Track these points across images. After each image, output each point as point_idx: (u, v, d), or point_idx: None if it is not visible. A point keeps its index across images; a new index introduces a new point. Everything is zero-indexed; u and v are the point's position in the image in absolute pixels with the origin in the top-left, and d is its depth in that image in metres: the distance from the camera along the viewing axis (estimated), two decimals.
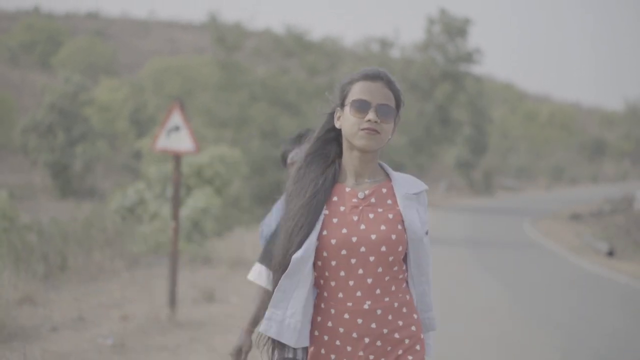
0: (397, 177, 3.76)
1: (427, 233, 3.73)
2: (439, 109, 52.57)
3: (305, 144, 3.87)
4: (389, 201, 3.71)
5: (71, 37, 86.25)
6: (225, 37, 35.50)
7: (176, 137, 10.19)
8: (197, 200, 19.80)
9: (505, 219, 38.51)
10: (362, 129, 3.61)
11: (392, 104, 3.69)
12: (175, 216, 10.52)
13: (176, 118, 10.21)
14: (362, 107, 3.63)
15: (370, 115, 3.61)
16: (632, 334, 11.71)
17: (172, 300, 10.73)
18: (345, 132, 3.69)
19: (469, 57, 52.95)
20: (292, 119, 31.97)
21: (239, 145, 29.45)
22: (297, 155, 4.94)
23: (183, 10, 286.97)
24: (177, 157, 10.45)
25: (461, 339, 10.57)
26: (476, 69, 55.38)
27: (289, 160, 5.06)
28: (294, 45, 37.11)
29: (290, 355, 3.64)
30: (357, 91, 3.67)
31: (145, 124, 54.96)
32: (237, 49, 35.98)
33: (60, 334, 9.81)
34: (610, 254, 27.45)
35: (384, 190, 3.72)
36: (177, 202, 10.53)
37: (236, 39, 35.86)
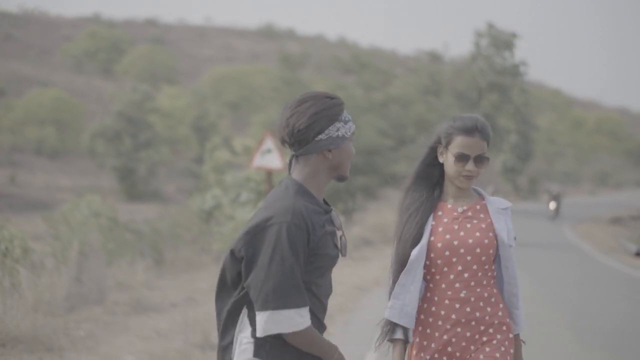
0: (489, 198, 4.55)
1: (515, 238, 4.52)
2: (486, 118, 54.50)
3: (413, 169, 4.57)
4: (482, 215, 4.48)
5: (131, 45, 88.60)
6: (289, 57, 38.06)
7: (269, 158, 13.13)
8: None
9: (546, 221, 39.98)
10: (463, 176, 4.42)
11: (486, 149, 4.44)
12: None
13: (269, 143, 13.16)
14: (462, 159, 4.39)
15: (469, 167, 4.40)
16: (636, 321, 14.37)
17: None
18: (447, 172, 4.48)
19: (515, 70, 55.15)
20: None
21: None
22: None
23: (238, 17, 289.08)
24: (269, 173, 13.44)
25: None
26: (524, 79, 57.06)
27: None
28: (352, 64, 39.61)
29: (401, 336, 4.45)
30: (459, 144, 4.41)
31: (207, 130, 57.38)
32: (300, 67, 38.52)
33: (180, 309, 12.65)
34: (638, 254, 29.33)
35: (478, 207, 4.50)
36: None
37: (300, 59, 38.48)
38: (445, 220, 4.46)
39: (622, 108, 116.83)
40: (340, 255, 3.87)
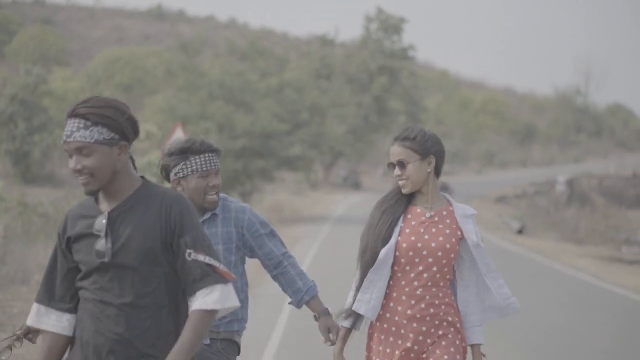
0: (456, 204, 4.78)
1: (482, 240, 4.72)
2: (376, 100, 56.10)
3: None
4: (448, 220, 4.72)
5: (21, 26, 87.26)
6: (187, 45, 38.74)
7: None
8: None
9: None
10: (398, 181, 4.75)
11: (407, 155, 4.68)
12: None
13: (178, 133, 14.15)
14: (390, 167, 4.77)
15: (395, 172, 4.73)
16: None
17: None
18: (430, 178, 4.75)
19: (403, 53, 56.61)
20: (246, 115, 35.46)
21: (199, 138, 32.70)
22: (182, 170, 4.86)
23: None
24: None
25: None
26: (412, 61, 58.59)
27: (172, 177, 4.90)
28: (248, 50, 40.48)
29: (350, 325, 4.75)
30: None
31: None
32: (197, 53, 39.25)
33: None
34: (520, 231, 30.91)
35: (444, 213, 4.73)
36: None
37: (197, 45, 39.18)
38: (413, 223, 4.70)
39: (507, 88, 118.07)
40: (101, 259, 3.63)
